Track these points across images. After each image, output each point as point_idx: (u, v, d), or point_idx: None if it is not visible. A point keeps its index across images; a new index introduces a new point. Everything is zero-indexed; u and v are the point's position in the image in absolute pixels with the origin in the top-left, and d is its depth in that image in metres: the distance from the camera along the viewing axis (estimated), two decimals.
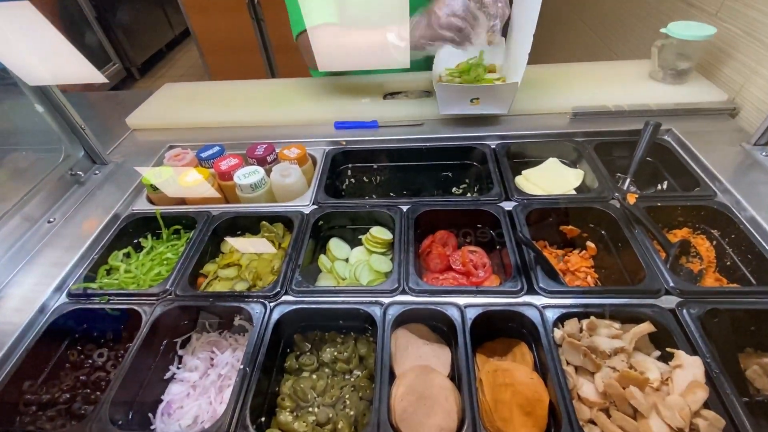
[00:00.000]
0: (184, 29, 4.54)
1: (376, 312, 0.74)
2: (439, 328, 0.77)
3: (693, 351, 0.65)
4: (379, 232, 0.93)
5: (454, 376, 0.71)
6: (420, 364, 0.70)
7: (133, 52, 3.89)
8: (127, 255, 0.93)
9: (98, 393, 0.76)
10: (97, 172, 1.11)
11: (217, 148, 1.08)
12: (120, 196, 1.02)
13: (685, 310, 0.69)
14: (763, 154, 0.98)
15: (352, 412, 0.68)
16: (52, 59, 0.84)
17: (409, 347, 0.73)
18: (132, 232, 0.97)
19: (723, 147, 1.01)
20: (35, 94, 0.97)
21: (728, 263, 0.85)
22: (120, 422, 0.66)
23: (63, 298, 0.82)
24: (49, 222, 0.96)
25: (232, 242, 0.95)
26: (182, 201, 1.03)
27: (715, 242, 0.88)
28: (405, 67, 0.89)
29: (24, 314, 0.78)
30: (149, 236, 0.97)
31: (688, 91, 1.17)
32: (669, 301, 0.72)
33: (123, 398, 0.68)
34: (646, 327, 0.68)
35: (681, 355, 0.63)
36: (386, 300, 0.76)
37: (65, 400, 0.75)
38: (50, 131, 1.03)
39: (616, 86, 1.23)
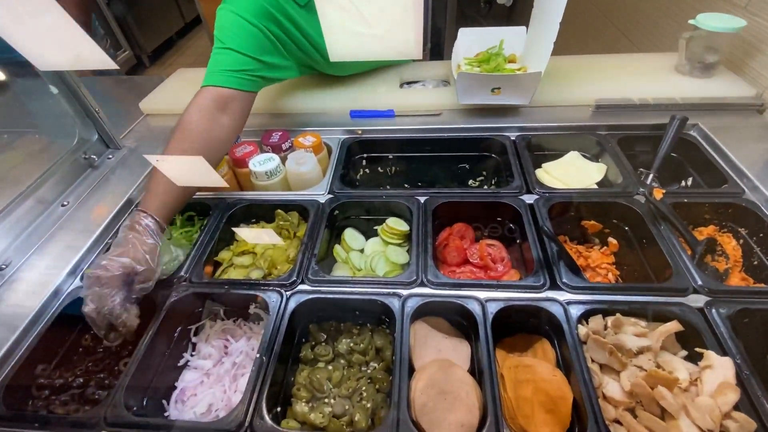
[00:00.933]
0: (195, 17, 4.51)
1: (395, 304, 0.72)
2: (458, 322, 0.76)
3: (722, 351, 0.63)
4: (396, 223, 0.92)
5: (474, 371, 0.69)
6: (439, 358, 0.68)
7: (144, 39, 3.87)
8: None
9: (111, 378, 0.75)
10: (110, 156, 1.10)
11: None
12: (133, 180, 1.01)
13: (714, 310, 0.67)
14: None
15: (369, 405, 0.67)
16: (64, 44, 0.82)
17: (428, 340, 0.72)
18: None
19: (751, 143, 0.98)
20: (49, 76, 0.95)
21: (755, 263, 0.83)
22: (135, 408, 0.65)
23: (77, 282, 0.81)
24: (62, 205, 0.96)
25: (237, 231, 0.92)
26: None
27: (742, 241, 0.86)
28: (418, 58, 0.86)
29: (38, 298, 0.77)
30: None
31: (715, 86, 1.14)
32: (697, 300, 0.70)
33: (137, 384, 0.68)
34: (674, 326, 0.66)
35: (711, 356, 0.61)
36: (405, 292, 0.74)
37: (79, 384, 0.74)
38: (64, 114, 1.02)
39: (641, 79, 1.19)
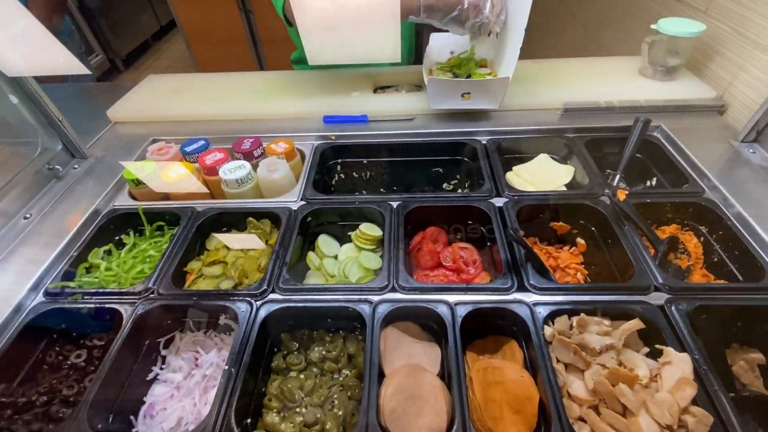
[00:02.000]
0: (170, 20, 4.44)
1: (366, 310, 0.73)
2: (429, 326, 0.76)
3: (681, 347, 0.65)
4: (369, 229, 0.92)
5: (444, 375, 0.70)
6: (410, 363, 0.69)
7: (117, 43, 3.79)
8: (108, 252, 0.90)
9: (77, 395, 0.73)
10: (76, 166, 1.07)
11: (202, 142, 1.05)
12: (100, 191, 0.98)
13: (673, 307, 0.70)
14: (750, 151, 0.98)
15: (340, 412, 0.67)
16: (32, 49, 0.80)
17: (399, 346, 0.72)
18: (113, 228, 0.94)
19: (711, 144, 1.01)
20: (9, 84, 0.92)
21: (715, 259, 0.86)
22: (99, 426, 0.64)
23: (40, 297, 0.79)
24: (25, 218, 0.93)
25: (218, 237, 0.92)
26: (166, 196, 1.00)
27: (702, 239, 0.89)
28: (396, 61, 0.87)
29: None
30: (131, 233, 0.94)
31: (678, 88, 1.18)
32: (658, 298, 0.72)
33: (103, 400, 0.66)
34: (636, 324, 0.68)
35: (670, 352, 0.63)
36: (376, 298, 0.75)
37: (42, 403, 0.72)
38: (25, 123, 0.98)
39: (607, 82, 1.22)
